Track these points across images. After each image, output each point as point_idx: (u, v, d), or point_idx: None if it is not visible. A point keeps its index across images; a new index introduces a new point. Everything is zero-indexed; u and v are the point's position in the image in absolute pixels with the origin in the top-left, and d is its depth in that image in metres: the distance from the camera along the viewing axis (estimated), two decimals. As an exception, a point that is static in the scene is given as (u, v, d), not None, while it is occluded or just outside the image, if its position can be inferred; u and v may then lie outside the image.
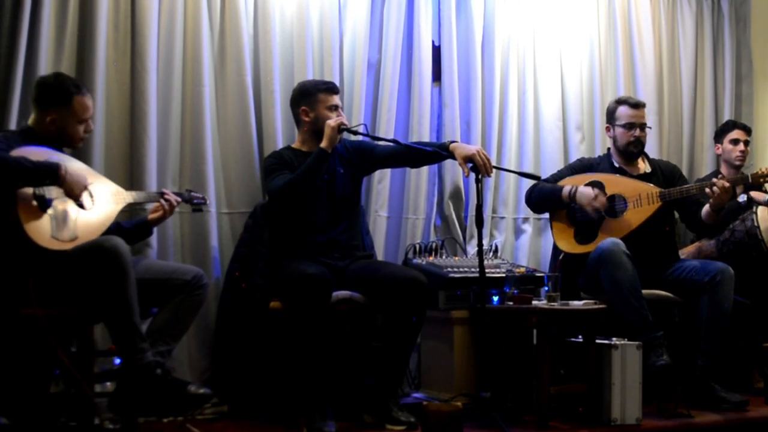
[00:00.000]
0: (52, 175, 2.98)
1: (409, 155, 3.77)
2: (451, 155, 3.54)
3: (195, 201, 3.66)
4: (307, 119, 3.79)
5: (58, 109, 3.19)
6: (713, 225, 4.10)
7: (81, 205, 3.13)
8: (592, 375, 3.54)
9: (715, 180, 3.88)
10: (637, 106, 4.21)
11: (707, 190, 3.87)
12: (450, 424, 3.09)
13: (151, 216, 3.48)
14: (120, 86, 3.84)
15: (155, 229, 3.78)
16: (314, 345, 3.31)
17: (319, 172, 3.55)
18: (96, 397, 3.13)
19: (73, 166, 3.12)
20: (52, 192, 3.04)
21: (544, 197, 4.16)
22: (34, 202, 2.99)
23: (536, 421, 3.43)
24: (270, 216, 3.74)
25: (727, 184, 3.83)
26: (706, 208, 3.96)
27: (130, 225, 3.49)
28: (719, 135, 4.82)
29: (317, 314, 3.31)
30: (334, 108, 3.74)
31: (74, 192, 3.05)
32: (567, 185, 4.08)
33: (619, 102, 4.25)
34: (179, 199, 3.51)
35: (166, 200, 3.44)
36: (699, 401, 3.79)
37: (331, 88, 3.79)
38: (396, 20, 4.45)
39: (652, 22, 5.20)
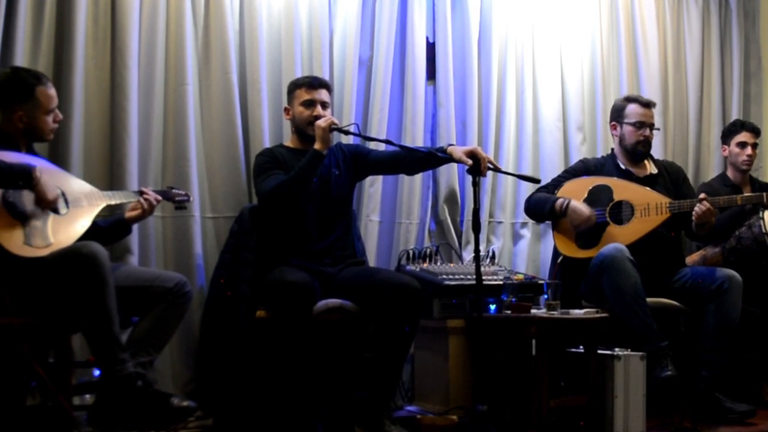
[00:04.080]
0: (26, 176, 2.97)
1: (404, 161, 3.77)
2: (449, 157, 3.55)
3: (177, 199, 3.64)
4: (288, 117, 3.83)
5: (22, 104, 3.18)
6: (704, 237, 4.16)
7: (55, 210, 3.11)
8: (593, 387, 3.57)
9: (702, 197, 3.90)
10: (648, 105, 4.27)
11: (695, 208, 3.90)
12: (445, 439, 3.12)
13: (128, 214, 3.44)
14: (99, 84, 3.85)
15: (136, 234, 3.80)
16: (299, 355, 3.32)
17: (314, 174, 3.55)
18: (74, 411, 3.13)
19: (47, 171, 3.13)
20: (24, 197, 3.03)
21: (538, 209, 4.18)
22: (4, 207, 2.98)
23: (535, 435, 3.46)
24: (260, 219, 3.76)
25: (712, 208, 3.87)
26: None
27: (107, 224, 3.44)
28: (726, 136, 4.83)
29: (300, 323, 3.31)
30: (310, 103, 3.72)
31: (47, 198, 3.03)
32: (560, 198, 4.09)
33: (629, 99, 4.30)
34: (159, 198, 3.48)
35: (146, 199, 3.41)
36: (705, 414, 3.82)
37: (309, 83, 3.77)
38: (388, 15, 4.47)
39: (657, 17, 5.24)
